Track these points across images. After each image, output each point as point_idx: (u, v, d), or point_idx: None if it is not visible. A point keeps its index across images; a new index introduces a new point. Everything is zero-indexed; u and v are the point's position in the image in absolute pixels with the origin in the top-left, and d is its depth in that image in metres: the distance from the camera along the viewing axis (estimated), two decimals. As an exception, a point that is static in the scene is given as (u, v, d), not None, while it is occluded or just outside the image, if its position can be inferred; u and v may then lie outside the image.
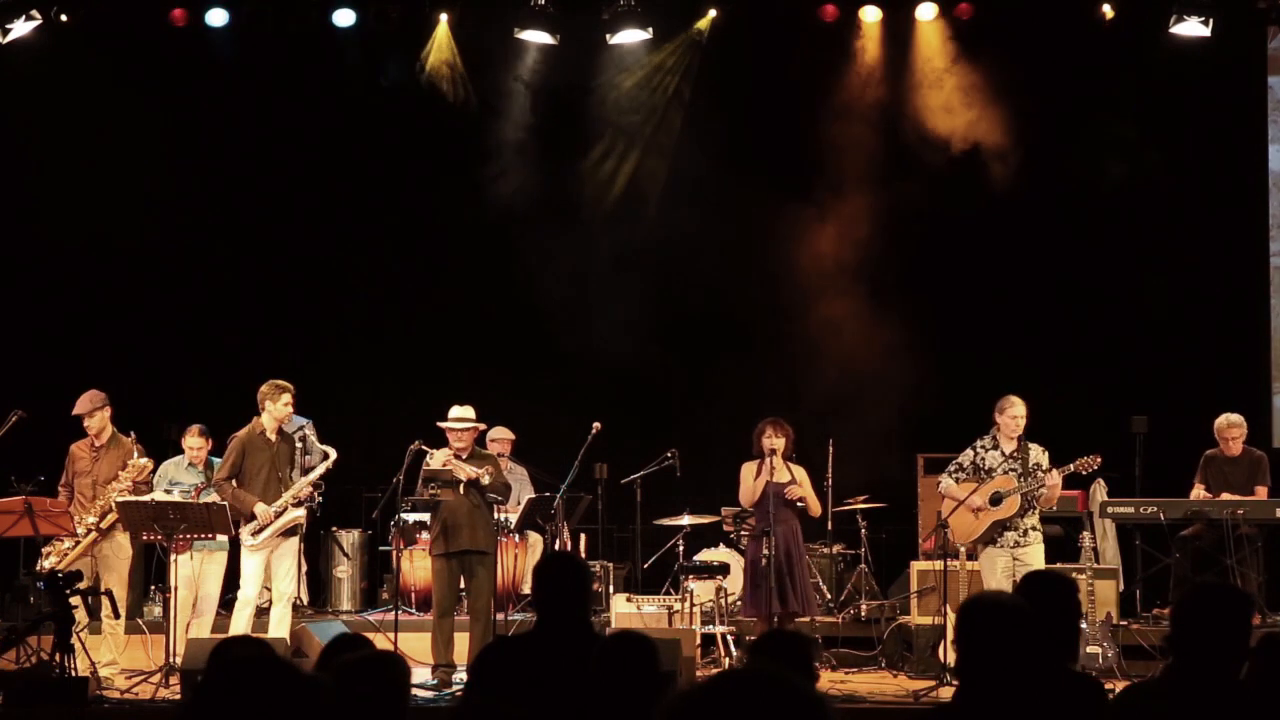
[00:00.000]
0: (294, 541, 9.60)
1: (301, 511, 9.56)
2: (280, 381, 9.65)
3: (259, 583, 9.52)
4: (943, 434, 11.55)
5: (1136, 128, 12.47)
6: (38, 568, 9.39)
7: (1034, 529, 9.34)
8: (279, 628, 9.35)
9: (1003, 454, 9.38)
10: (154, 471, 9.99)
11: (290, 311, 12.78)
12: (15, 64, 12.17)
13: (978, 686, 3.76)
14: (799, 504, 9.76)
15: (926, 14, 12.56)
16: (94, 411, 9.60)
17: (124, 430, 9.74)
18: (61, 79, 12.39)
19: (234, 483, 9.50)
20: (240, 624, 9.30)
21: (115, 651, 9.40)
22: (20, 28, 11.89)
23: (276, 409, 9.58)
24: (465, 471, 9.51)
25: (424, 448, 9.68)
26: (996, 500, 9.28)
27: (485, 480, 9.56)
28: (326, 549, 11.83)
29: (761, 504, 9.70)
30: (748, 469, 9.79)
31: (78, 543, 9.39)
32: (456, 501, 9.53)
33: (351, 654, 4.32)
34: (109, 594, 8.96)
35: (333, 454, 9.77)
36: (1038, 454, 9.35)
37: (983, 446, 9.46)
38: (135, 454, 9.58)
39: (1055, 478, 9.18)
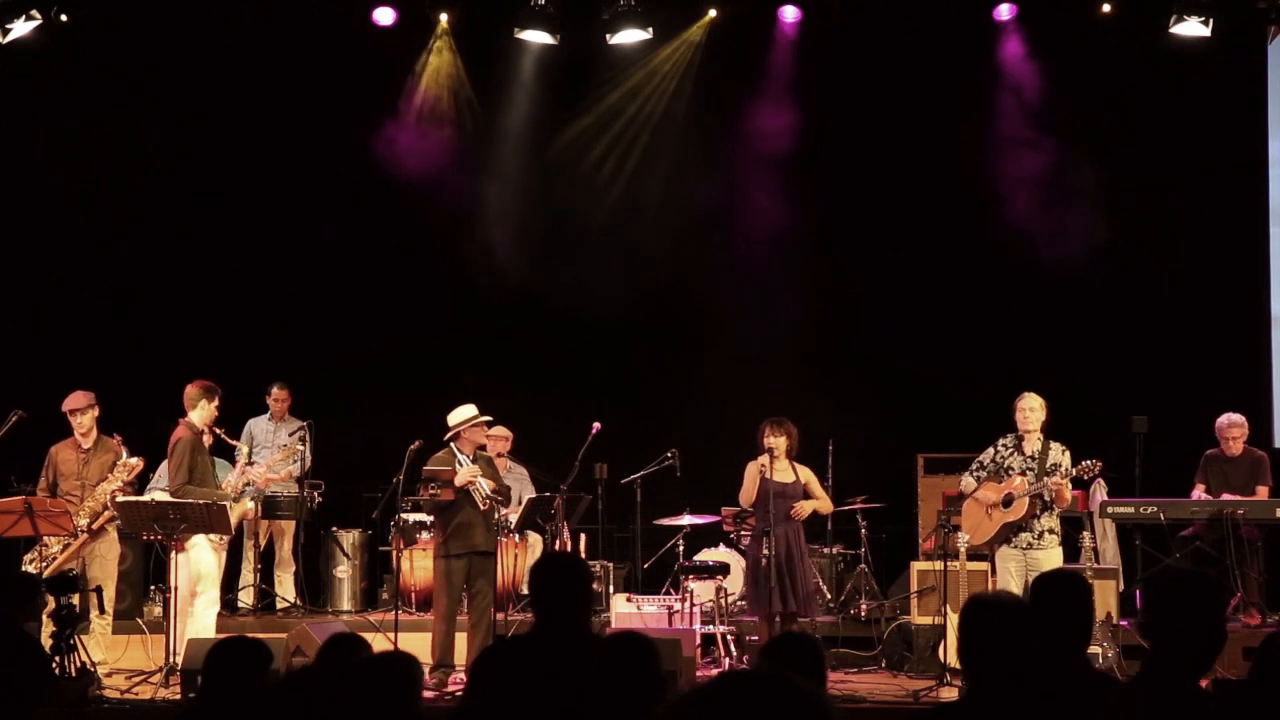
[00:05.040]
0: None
1: (251, 504, 9.75)
2: (210, 382, 9.61)
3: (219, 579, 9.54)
4: (943, 434, 11.57)
5: (1136, 127, 12.49)
6: (24, 570, 9.34)
7: (1051, 531, 9.28)
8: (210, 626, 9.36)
9: (1023, 453, 9.34)
10: (153, 471, 9.99)
11: (290, 313, 12.77)
12: (15, 64, 12.17)
13: (982, 687, 3.76)
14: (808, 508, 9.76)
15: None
16: (87, 409, 9.61)
17: (107, 431, 9.73)
18: (61, 79, 12.40)
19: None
20: (209, 623, 9.32)
21: (104, 651, 9.38)
22: (20, 28, 11.89)
23: (209, 410, 9.54)
24: (489, 484, 9.54)
25: (440, 471, 9.62)
26: (1008, 502, 9.26)
27: (493, 495, 9.66)
28: (326, 549, 11.82)
29: (761, 503, 9.68)
30: (751, 468, 9.77)
31: (66, 545, 9.35)
32: (469, 501, 9.53)
33: (367, 654, 4.33)
34: (98, 591, 8.95)
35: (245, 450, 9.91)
36: (1057, 454, 9.29)
37: (1004, 445, 9.41)
38: (124, 454, 9.59)
39: (1058, 481, 9.14)
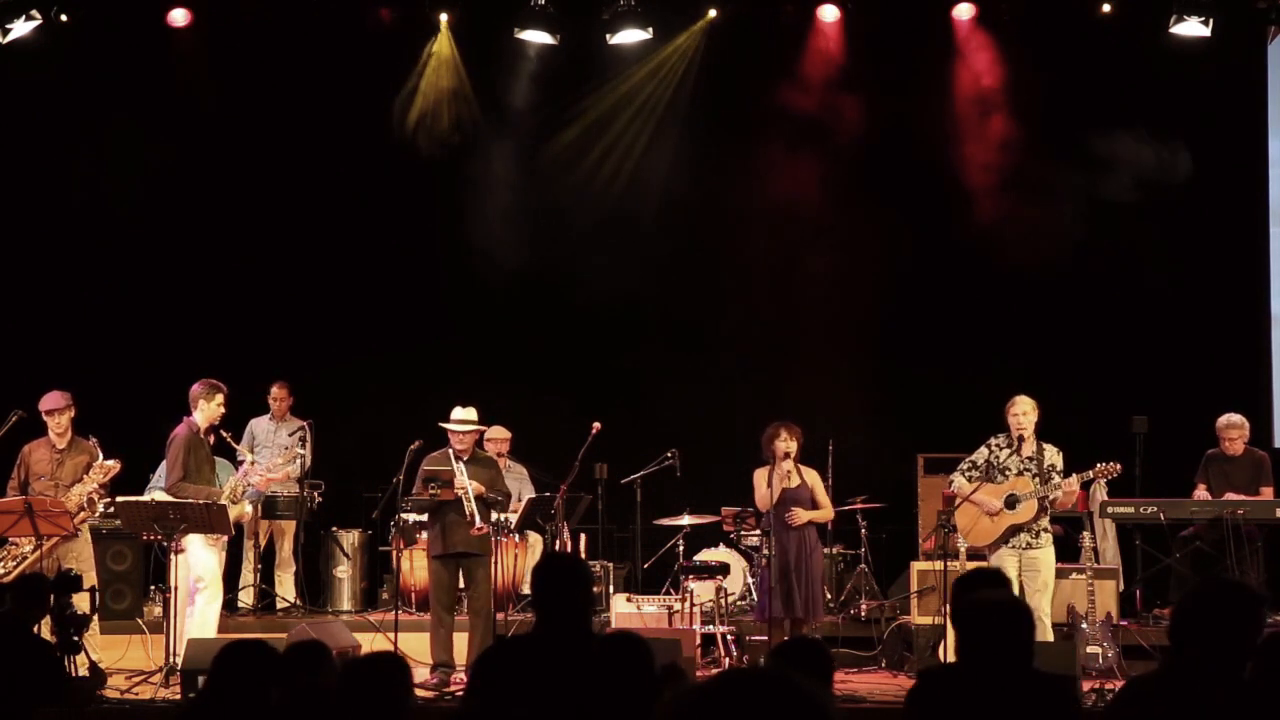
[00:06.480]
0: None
1: (249, 508, 9.87)
2: (215, 381, 9.60)
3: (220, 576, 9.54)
4: (943, 434, 11.57)
5: (1136, 127, 12.48)
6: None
7: (1045, 530, 9.30)
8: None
9: (1018, 454, 9.32)
10: (152, 470, 9.98)
11: (290, 311, 12.76)
12: (15, 64, 12.17)
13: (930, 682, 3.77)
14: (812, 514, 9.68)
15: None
16: (64, 409, 9.59)
17: (83, 433, 9.72)
18: (61, 79, 12.39)
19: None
20: (211, 619, 9.30)
21: (97, 650, 9.36)
22: (20, 28, 11.89)
23: (210, 409, 9.53)
24: (476, 488, 9.51)
25: (436, 472, 9.61)
26: (1012, 503, 9.25)
27: (492, 496, 9.64)
28: (326, 549, 11.82)
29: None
30: (759, 475, 9.65)
31: (37, 545, 9.26)
32: (455, 503, 9.53)
33: (356, 655, 4.34)
34: (93, 591, 8.95)
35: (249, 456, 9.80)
36: (1052, 455, 9.29)
37: (997, 445, 9.38)
38: (100, 456, 9.56)
39: (1074, 483, 9.13)
